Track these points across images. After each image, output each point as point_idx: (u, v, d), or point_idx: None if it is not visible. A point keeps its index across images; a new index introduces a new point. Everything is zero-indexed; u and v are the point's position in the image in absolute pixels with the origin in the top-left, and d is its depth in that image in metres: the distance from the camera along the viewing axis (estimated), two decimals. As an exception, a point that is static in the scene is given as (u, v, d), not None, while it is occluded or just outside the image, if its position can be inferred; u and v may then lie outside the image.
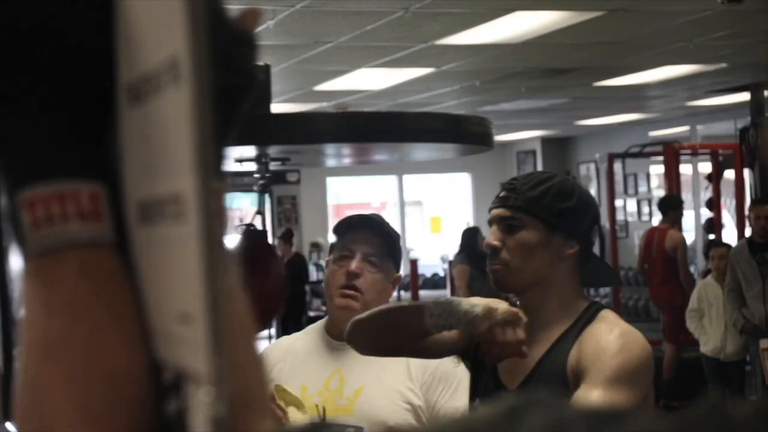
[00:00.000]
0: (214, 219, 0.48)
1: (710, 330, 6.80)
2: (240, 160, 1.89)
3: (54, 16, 0.52)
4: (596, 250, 1.98)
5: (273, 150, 1.82)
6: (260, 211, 1.84)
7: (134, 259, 0.54)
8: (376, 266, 2.26)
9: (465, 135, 1.98)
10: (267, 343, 9.75)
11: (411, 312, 1.87)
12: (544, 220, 1.90)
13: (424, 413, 2.21)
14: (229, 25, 0.54)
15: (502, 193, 1.96)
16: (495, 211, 1.96)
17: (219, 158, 0.55)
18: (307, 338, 2.35)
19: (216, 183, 0.52)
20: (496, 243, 1.91)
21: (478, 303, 1.77)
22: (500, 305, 1.76)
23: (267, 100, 1.68)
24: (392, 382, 2.22)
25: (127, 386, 0.51)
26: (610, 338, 1.82)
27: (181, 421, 0.49)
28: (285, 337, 2.49)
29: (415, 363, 2.20)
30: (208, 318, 0.46)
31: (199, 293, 0.46)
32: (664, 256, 8.09)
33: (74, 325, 0.51)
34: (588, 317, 1.89)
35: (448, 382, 2.23)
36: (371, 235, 2.28)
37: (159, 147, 0.50)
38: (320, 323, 2.38)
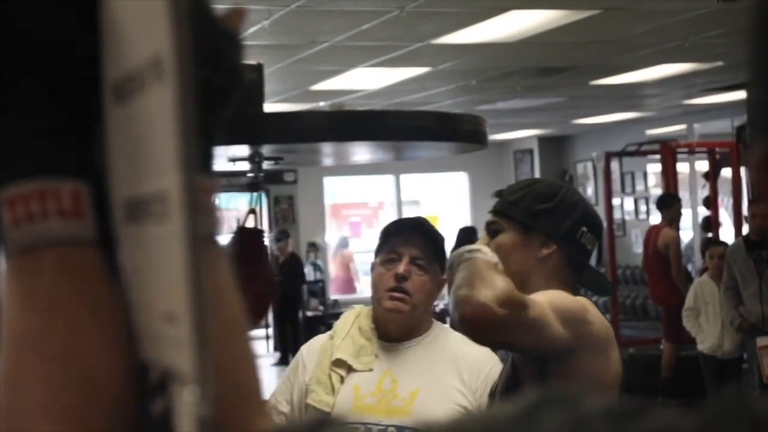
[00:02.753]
0: (199, 217, 0.47)
1: (707, 328, 6.80)
2: (233, 160, 1.89)
3: (38, 15, 0.52)
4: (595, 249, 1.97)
5: (266, 149, 1.81)
6: (253, 210, 1.84)
7: (121, 257, 0.54)
8: (423, 269, 2.30)
9: (458, 133, 1.97)
10: (264, 342, 9.73)
11: None
12: (520, 222, 1.93)
13: None
14: (215, 24, 0.54)
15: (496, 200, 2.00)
16: (486, 218, 2.00)
17: (206, 156, 0.54)
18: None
19: (203, 181, 0.52)
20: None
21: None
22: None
23: (260, 99, 1.68)
24: (446, 386, 2.25)
25: (105, 385, 0.51)
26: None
27: (166, 421, 0.49)
28: (321, 336, 2.47)
29: (468, 368, 2.24)
30: (192, 317, 0.45)
31: (183, 292, 0.46)
32: (657, 254, 8.09)
33: (51, 323, 0.51)
34: None
35: None
36: (418, 239, 2.30)
37: (144, 145, 0.50)
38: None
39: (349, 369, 2.30)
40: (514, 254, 1.92)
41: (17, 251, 0.52)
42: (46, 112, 0.53)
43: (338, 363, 2.29)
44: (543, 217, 1.93)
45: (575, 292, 1.96)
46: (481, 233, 2.28)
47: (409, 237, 2.31)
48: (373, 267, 2.39)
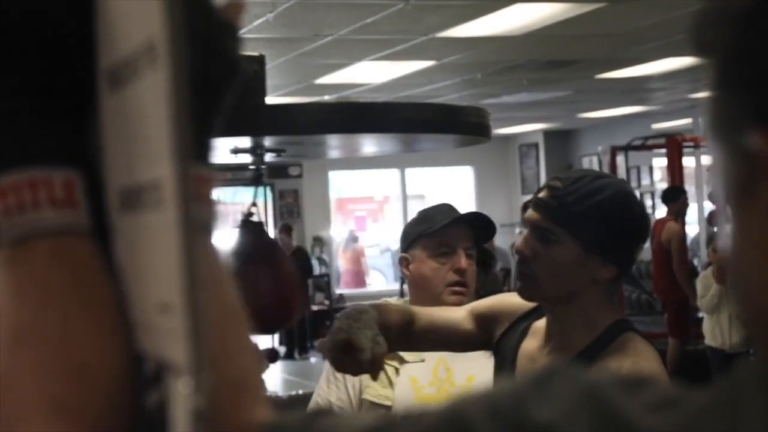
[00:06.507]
0: (195, 207, 0.47)
1: (712, 321, 6.79)
2: (236, 151, 1.88)
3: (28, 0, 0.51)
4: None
5: (268, 141, 1.81)
6: (255, 203, 1.82)
7: (115, 247, 0.53)
8: (472, 258, 2.31)
9: (461, 125, 1.96)
10: (270, 336, 9.78)
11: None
12: (582, 241, 1.74)
13: None
14: (211, 13, 0.54)
15: (543, 194, 1.78)
16: (531, 215, 1.79)
17: (203, 146, 0.54)
18: None
19: (199, 170, 0.51)
20: (526, 252, 1.77)
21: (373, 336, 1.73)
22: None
23: (262, 90, 1.67)
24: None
25: (98, 376, 0.50)
26: None
27: (162, 413, 0.48)
28: None
29: None
30: (186, 307, 0.45)
31: (177, 282, 0.45)
32: (661, 248, 8.07)
33: (44, 314, 0.50)
34: (608, 339, 1.77)
35: None
36: (466, 228, 2.29)
37: (139, 133, 0.49)
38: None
39: (401, 360, 2.28)
40: (570, 273, 1.75)
41: (9, 242, 0.51)
42: (38, 100, 0.52)
43: (391, 356, 2.28)
44: (609, 240, 1.74)
45: (614, 305, 1.86)
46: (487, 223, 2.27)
47: (457, 228, 2.28)
48: (407, 260, 2.33)
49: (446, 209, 2.36)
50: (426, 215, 2.36)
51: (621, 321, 1.83)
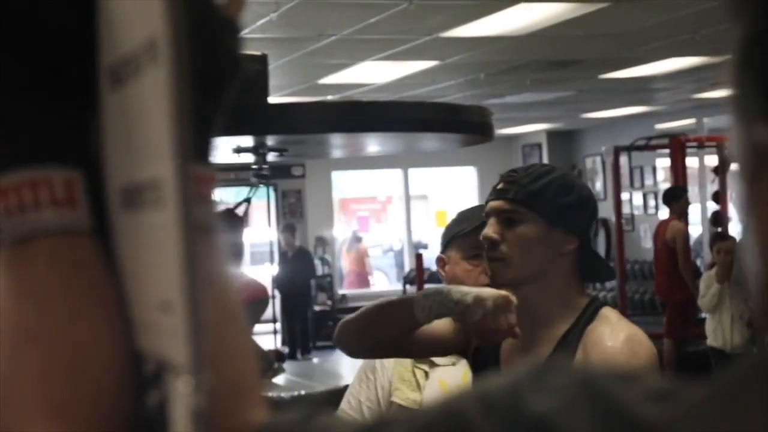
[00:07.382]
0: (195, 205, 0.46)
1: (714, 321, 6.78)
2: (238, 151, 1.88)
3: None
4: (603, 243, 1.96)
5: (271, 140, 1.81)
6: (248, 199, 1.82)
7: (116, 246, 0.53)
8: None
9: (464, 125, 1.96)
10: (272, 337, 9.77)
11: (400, 306, 1.88)
12: (544, 215, 1.88)
13: None
14: (213, 11, 0.53)
15: (501, 185, 1.93)
16: (493, 203, 1.93)
17: (204, 145, 0.53)
18: None
19: (200, 169, 0.51)
20: (494, 236, 1.89)
21: (468, 292, 1.80)
22: (489, 292, 1.80)
23: (264, 90, 1.67)
24: None
25: (99, 376, 0.50)
26: (617, 346, 1.80)
27: (162, 412, 0.48)
28: None
29: None
30: (187, 306, 0.45)
31: (178, 281, 0.45)
32: (665, 247, 8.05)
33: (45, 315, 0.50)
34: (589, 315, 1.87)
35: None
36: None
37: (139, 131, 0.49)
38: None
39: (432, 364, 2.27)
40: (537, 248, 1.88)
41: (10, 242, 0.51)
42: (39, 99, 0.52)
43: (421, 360, 2.26)
44: (567, 211, 1.89)
45: (581, 283, 1.96)
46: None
47: None
48: (444, 261, 2.33)
49: (483, 211, 2.35)
50: (463, 216, 2.35)
51: (594, 299, 1.95)
